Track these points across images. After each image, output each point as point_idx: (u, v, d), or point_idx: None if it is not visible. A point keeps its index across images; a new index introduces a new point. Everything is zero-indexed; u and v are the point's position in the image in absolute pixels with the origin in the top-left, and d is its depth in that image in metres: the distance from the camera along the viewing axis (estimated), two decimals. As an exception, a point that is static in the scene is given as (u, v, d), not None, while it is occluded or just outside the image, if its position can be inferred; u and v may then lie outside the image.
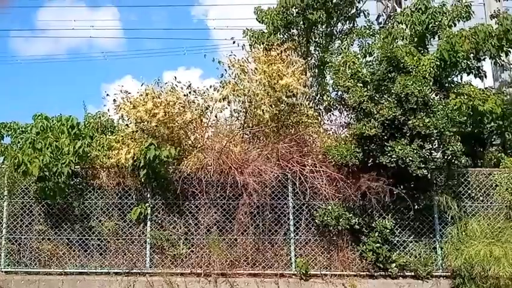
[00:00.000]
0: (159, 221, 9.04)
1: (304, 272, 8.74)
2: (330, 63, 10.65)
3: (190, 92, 9.66)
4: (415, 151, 8.27)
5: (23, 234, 9.02)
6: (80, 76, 45.88)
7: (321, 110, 11.46)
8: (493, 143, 10.94)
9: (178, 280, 8.64)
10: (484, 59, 10.64)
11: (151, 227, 8.99)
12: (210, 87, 9.63)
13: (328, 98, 11.09)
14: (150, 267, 8.87)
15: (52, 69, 46.63)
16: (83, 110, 11.22)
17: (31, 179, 8.96)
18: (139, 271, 8.83)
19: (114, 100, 9.47)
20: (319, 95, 11.79)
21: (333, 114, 11.23)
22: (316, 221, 8.88)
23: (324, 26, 12.06)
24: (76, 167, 8.98)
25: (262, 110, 8.91)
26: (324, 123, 10.99)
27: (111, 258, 8.92)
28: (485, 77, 10.92)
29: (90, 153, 9.07)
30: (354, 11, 12.51)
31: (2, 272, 8.82)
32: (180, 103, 9.32)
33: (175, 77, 9.67)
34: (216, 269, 8.70)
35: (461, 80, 10.61)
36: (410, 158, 8.22)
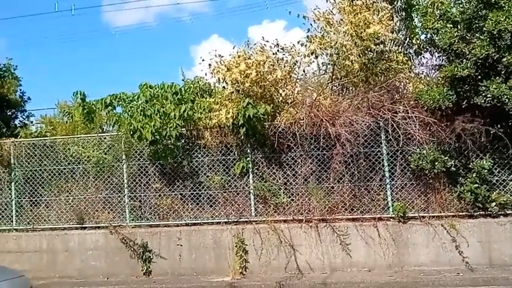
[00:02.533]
0: (260, 174, 9.73)
1: (402, 214, 9.04)
2: (417, 6, 10.41)
3: (278, 50, 10.03)
4: (511, 89, 8.08)
5: (142, 192, 10.16)
6: (169, 41, 47.74)
7: (410, 53, 11.29)
8: None
9: (282, 226, 9.35)
10: None
11: (253, 179, 9.72)
12: (298, 42, 9.94)
13: (418, 41, 10.92)
14: (256, 216, 9.64)
15: (144, 36, 48.94)
16: (180, 75, 12.05)
17: (144, 143, 9.99)
18: (246, 220, 9.63)
19: (210, 65, 10.11)
20: (408, 38, 11.57)
21: (423, 57, 11.08)
22: (411, 165, 9.06)
23: (409, -33, 11.65)
24: (182, 129, 9.86)
25: (351, 61, 9.10)
26: (415, 67, 10.90)
27: (220, 209, 9.81)
28: None
29: (193, 116, 9.86)
30: None
31: (129, 226, 10.05)
32: (269, 62, 9.75)
33: (263, 37, 10.08)
34: (316, 215, 9.27)
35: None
36: (507, 96, 8.06)
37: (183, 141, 10.16)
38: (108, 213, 10.17)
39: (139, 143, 10.03)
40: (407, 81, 10.09)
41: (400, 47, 11.12)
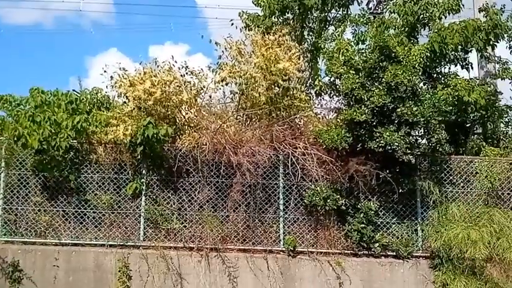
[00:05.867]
0: (154, 197, 9.30)
1: (292, 248, 9.15)
2: (323, 49, 10.92)
3: (186, 73, 9.87)
4: (402, 137, 8.67)
5: (20, 205, 9.20)
6: (64, 47, 45.23)
7: (311, 94, 11.75)
8: (475, 132, 11.42)
9: (172, 253, 8.98)
10: (470, 51, 11.02)
11: (146, 202, 9.27)
12: (209, 68, 9.88)
13: (320, 83, 11.40)
14: (144, 241, 9.16)
15: (38, 39, 45.88)
16: (77, 84, 11.31)
17: (28, 151, 9.13)
18: (133, 244, 9.11)
19: (111, 77, 9.63)
20: (310, 79, 12.06)
21: (323, 98, 11.58)
22: (305, 201, 9.27)
23: (318, 12, 12.26)
24: (73, 141, 9.16)
25: (259, 93, 9.20)
26: (315, 107, 11.32)
27: (106, 231, 9.17)
28: (472, 68, 11.36)
29: (87, 129, 9.24)
30: (348, -3, 12.66)
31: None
32: (176, 82, 9.53)
33: (172, 56, 9.87)
34: (208, 243, 9.05)
35: (449, 71, 10.99)
36: (397, 144, 8.64)
37: (72, 154, 9.38)
38: (-24, 225, 9.05)
39: (23, 151, 9.14)
40: (307, 119, 10.40)
41: (303, 86, 11.53)
